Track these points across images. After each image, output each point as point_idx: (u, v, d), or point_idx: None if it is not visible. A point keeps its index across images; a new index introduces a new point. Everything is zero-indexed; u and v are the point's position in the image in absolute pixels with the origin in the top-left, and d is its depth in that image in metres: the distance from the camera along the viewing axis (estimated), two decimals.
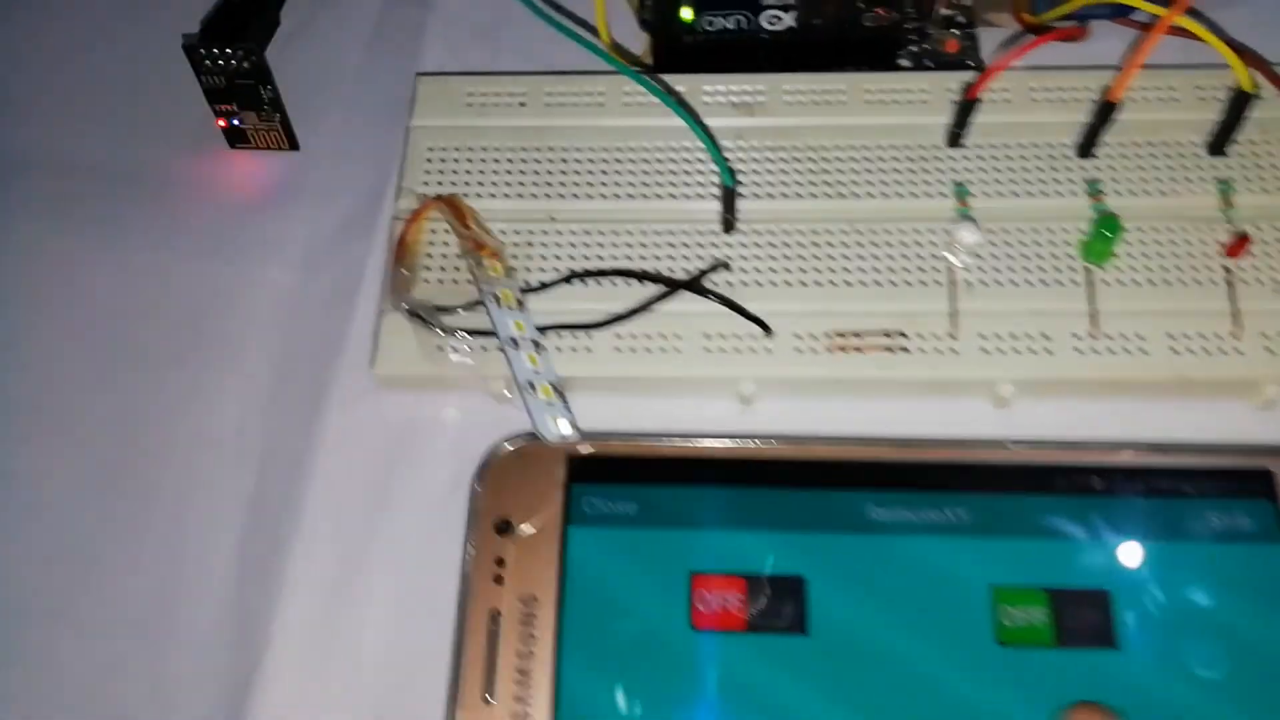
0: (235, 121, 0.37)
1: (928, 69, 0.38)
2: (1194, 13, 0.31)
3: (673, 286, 0.32)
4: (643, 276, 0.33)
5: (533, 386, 0.31)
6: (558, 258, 0.34)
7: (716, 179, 0.34)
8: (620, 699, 0.28)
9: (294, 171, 0.37)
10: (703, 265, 0.33)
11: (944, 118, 0.35)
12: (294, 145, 0.38)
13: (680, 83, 0.37)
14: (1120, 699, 0.27)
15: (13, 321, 0.35)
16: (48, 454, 0.33)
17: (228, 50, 0.35)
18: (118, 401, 0.33)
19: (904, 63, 0.38)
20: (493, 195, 0.35)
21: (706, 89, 0.36)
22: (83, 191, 0.37)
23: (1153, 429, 0.31)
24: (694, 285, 0.32)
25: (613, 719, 0.28)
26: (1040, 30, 0.36)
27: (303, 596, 0.31)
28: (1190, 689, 0.27)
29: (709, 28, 0.37)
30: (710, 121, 0.35)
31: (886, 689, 0.28)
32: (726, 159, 0.33)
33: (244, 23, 0.36)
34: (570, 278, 0.33)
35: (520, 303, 0.32)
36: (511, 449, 0.31)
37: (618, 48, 0.38)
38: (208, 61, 0.35)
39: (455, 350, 0.32)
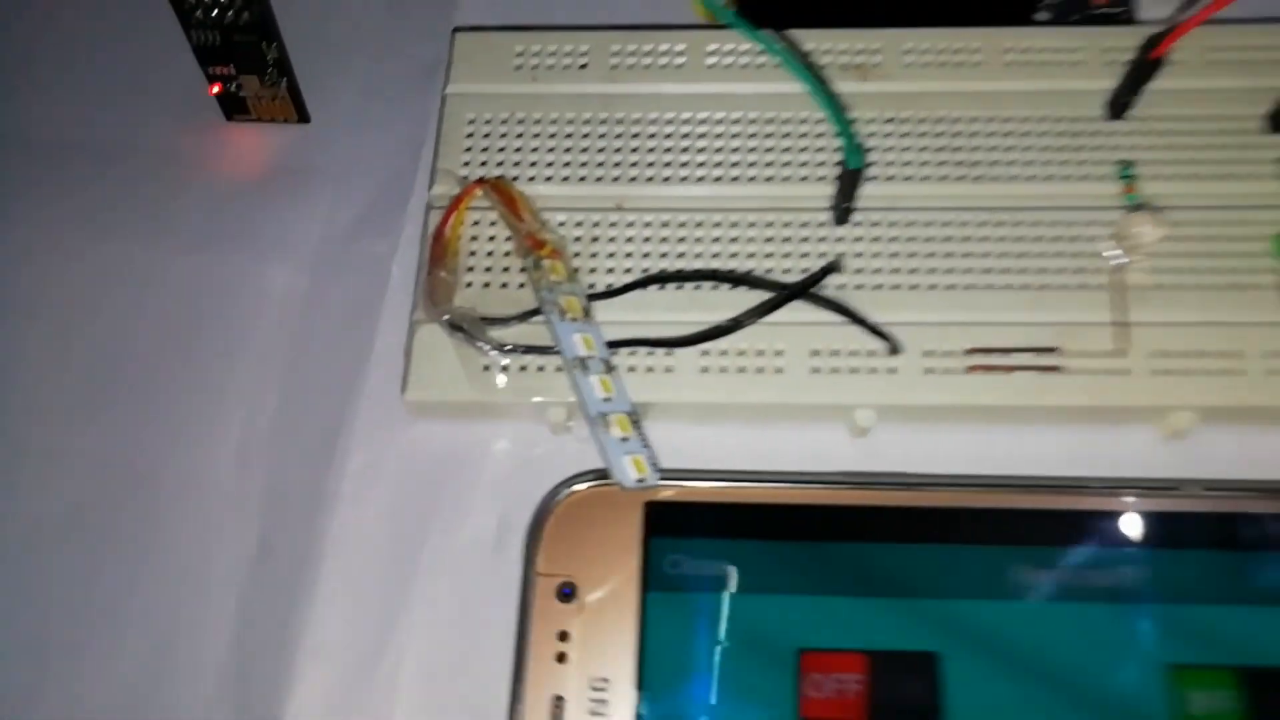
0: (233, 87, 0.36)
1: (1072, 23, 0.36)
2: None
3: (779, 293, 0.30)
4: (739, 280, 0.31)
5: (605, 419, 0.29)
6: (629, 255, 0.33)
7: (827, 157, 0.33)
8: None
9: (304, 149, 0.37)
10: (808, 265, 0.31)
11: (1103, 82, 0.33)
12: (304, 117, 0.37)
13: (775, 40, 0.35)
14: None
15: None
16: (25, 494, 0.32)
17: None
18: (89, 432, 0.33)
19: (1043, 16, 0.37)
20: (548, 179, 0.34)
21: (809, 48, 0.35)
22: (47, 175, 0.37)
23: None
24: (806, 291, 0.30)
25: None
26: None
27: (320, 673, 0.30)
28: None
29: None
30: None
31: None
32: (812, 136, 0.33)
33: None
34: (647, 282, 0.31)
35: (587, 313, 0.30)
36: (575, 494, 0.30)
37: None
38: (199, 12, 0.34)
39: (505, 371, 0.31)
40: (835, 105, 0.31)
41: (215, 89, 0.36)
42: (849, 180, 0.30)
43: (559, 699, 0.28)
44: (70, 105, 0.38)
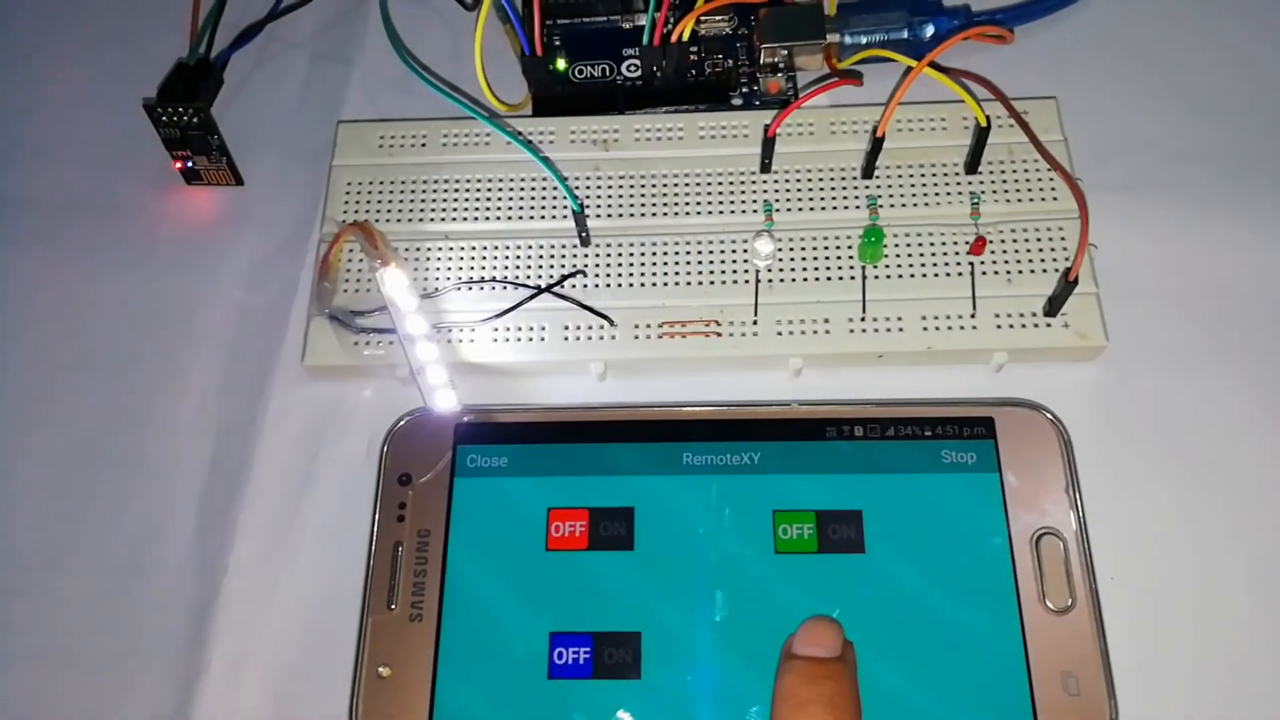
0: (189, 164, 0.49)
1: (755, 107, 0.51)
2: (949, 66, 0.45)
3: (536, 290, 0.46)
4: (514, 283, 0.46)
5: (424, 371, 0.44)
6: (449, 268, 0.47)
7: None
8: (491, 602, 0.41)
9: (239, 204, 0.50)
10: (566, 272, 0.47)
11: (758, 148, 0.48)
12: (239, 181, 0.50)
13: (553, 124, 0.50)
14: (866, 593, 0.41)
15: (12, 328, 0.49)
16: (47, 433, 0.46)
17: (180, 108, 0.48)
18: (104, 390, 0.46)
19: (736, 101, 0.51)
20: (399, 220, 0.48)
21: (572, 129, 0.50)
22: (69, 223, 0.50)
23: (910, 390, 0.45)
24: (551, 289, 0.46)
25: (485, 616, 0.41)
26: (845, 74, 0.50)
27: (252, 537, 0.43)
28: (922, 583, 0.41)
29: (578, 76, 0.51)
30: (574, 155, 0.49)
31: (691, 587, 0.41)
32: (574, 189, 0.47)
33: (193, 85, 0.50)
34: (459, 285, 0.47)
35: (417, 306, 0.46)
36: (411, 420, 0.45)
37: (497, 96, 0.51)
38: (164, 118, 0.48)
39: (367, 345, 0.46)
40: (555, 170, 0.46)
41: (178, 165, 0.51)
42: (578, 218, 0.46)
43: (398, 543, 0.43)
44: (81, 178, 0.51)
